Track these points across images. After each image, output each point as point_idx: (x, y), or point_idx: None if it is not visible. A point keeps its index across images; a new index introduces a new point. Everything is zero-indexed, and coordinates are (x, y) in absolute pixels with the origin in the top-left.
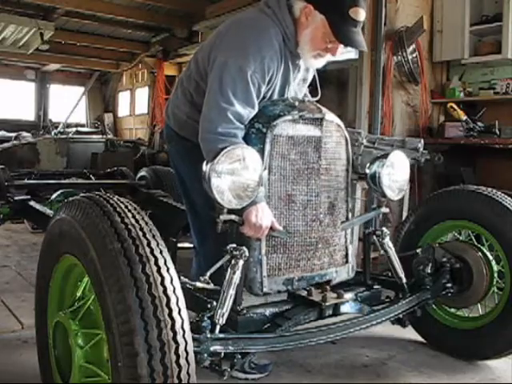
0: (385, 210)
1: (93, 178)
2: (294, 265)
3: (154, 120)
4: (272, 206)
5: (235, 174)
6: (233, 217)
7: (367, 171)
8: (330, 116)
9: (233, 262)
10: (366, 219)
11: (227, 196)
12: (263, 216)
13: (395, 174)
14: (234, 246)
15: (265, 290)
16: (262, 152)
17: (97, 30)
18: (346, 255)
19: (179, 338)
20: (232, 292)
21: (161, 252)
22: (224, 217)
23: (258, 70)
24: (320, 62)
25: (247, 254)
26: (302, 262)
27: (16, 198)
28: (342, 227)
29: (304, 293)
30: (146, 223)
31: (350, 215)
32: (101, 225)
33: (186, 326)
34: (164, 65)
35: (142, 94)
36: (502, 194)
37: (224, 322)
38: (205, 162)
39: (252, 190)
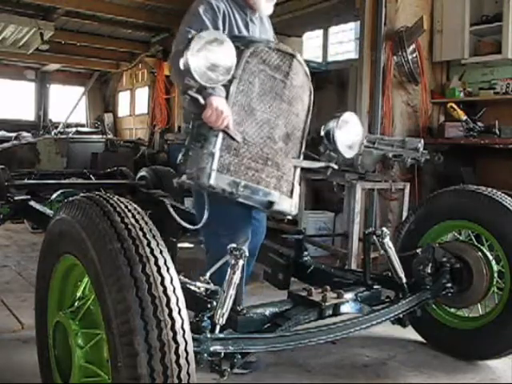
0: (334, 166)
1: (93, 178)
2: (242, 171)
3: (154, 120)
4: (234, 112)
5: (210, 51)
6: (200, 97)
7: (322, 131)
8: (300, 59)
9: (233, 261)
10: (316, 166)
11: (201, 68)
12: (225, 106)
13: (348, 131)
14: (234, 246)
15: (211, 182)
16: (236, 64)
17: (97, 30)
18: (292, 191)
19: (179, 338)
20: (232, 292)
21: (161, 252)
22: (192, 93)
23: (207, 8)
24: (270, 6)
25: (247, 253)
26: (251, 172)
27: (16, 198)
28: (293, 162)
29: (304, 293)
30: (146, 223)
31: (301, 158)
32: (101, 225)
33: (186, 326)
34: (164, 65)
35: (142, 94)
36: (502, 194)
37: (224, 322)
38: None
39: (222, 72)
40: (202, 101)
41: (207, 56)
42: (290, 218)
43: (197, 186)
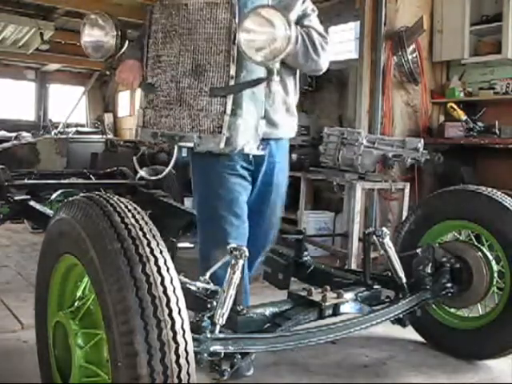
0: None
1: (93, 177)
2: (158, 121)
3: None
4: (148, 67)
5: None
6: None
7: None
8: None
9: (233, 261)
10: (243, 88)
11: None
12: (129, 67)
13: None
14: (234, 246)
15: (138, 137)
16: (148, 22)
17: None
18: (221, 126)
19: (179, 338)
20: (232, 292)
21: (161, 252)
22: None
23: None
24: None
25: (247, 253)
26: (163, 119)
27: (16, 198)
28: (212, 93)
29: (304, 293)
30: (146, 223)
31: (231, 82)
32: (101, 225)
33: (186, 326)
34: None
35: None
36: (502, 194)
37: (224, 322)
38: None
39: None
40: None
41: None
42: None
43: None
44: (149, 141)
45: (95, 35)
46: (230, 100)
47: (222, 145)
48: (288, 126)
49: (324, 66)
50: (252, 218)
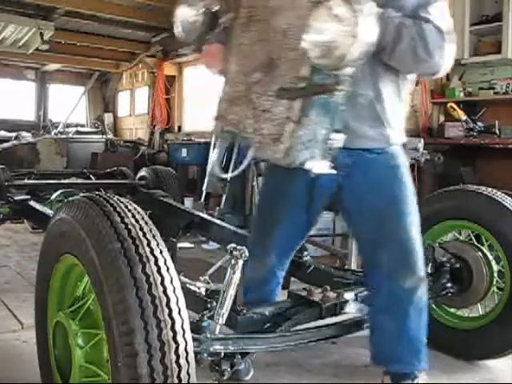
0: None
1: (93, 177)
2: (227, 115)
3: (154, 120)
4: (229, 53)
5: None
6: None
7: None
8: None
9: (233, 261)
10: (314, 93)
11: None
12: (212, 50)
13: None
14: (234, 246)
15: (212, 130)
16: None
17: (97, 30)
18: (281, 134)
19: (179, 337)
20: (232, 292)
21: (161, 252)
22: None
23: None
24: None
25: (247, 253)
26: (231, 115)
27: (16, 198)
28: (278, 93)
29: (304, 293)
30: (146, 223)
31: (301, 85)
32: (101, 225)
33: (186, 326)
34: (164, 65)
35: (142, 94)
36: (502, 194)
37: (224, 322)
38: None
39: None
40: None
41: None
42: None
43: None
44: (217, 135)
45: (187, 14)
46: (297, 105)
47: (280, 155)
48: (375, 136)
49: (441, 67)
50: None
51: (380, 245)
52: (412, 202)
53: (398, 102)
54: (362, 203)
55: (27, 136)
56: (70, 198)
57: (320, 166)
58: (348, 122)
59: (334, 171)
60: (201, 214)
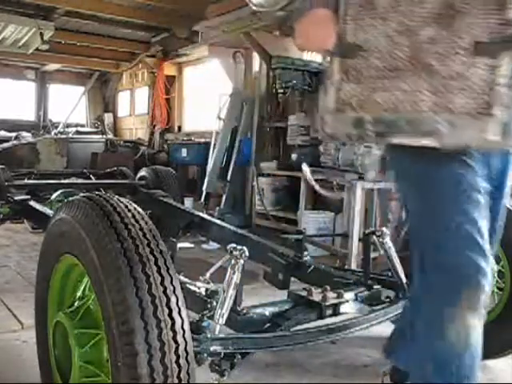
0: None
1: (93, 177)
2: (366, 99)
3: (154, 120)
4: (350, 18)
5: None
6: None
7: None
8: None
9: (233, 261)
10: None
11: None
12: (320, 16)
13: None
14: (234, 246)
15: (327, 130)
16: None
17: (97, 30)
18: (488, 104)
19: (179, 337)
20: (232, 292)
21: (161, 252)
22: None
23: None
24: None
25: (247, 253)
26: (377, 96)
27: (16, 198)
28: (477, 50)
29: (304, 293)
30: (146, 223)
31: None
32: (101, 225)
33: (186, 326)
34: (164, 65)
35: (142, 94)
36: None
37: (224, 322)
38: None
39: None
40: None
41: None
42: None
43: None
44: (346, 134)
45: None
46: (505, 62)
47: (492, 134)
48: None
49: None
50: None
51: None
52: None
53: None
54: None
55: (27, 136)
56: (70, 198)
57: None
58: None
59: None
60: (201, 214)
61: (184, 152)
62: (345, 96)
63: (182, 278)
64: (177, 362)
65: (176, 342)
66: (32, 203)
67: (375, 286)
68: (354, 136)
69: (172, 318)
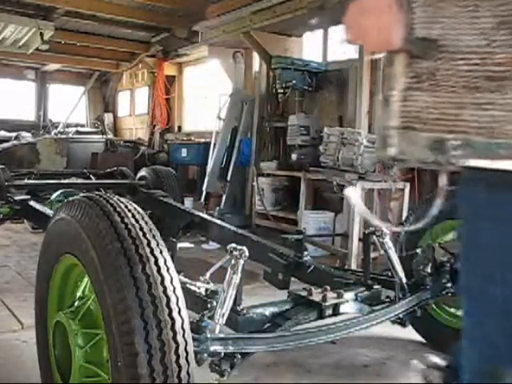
0: None
1: (93, 177)
2: (448, 113)
3: (154, 120)
4: (420, 9)
5: None
6: None
7: None
8: None
9: (233, 261)
10: None
11: None
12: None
13: None
14: (234, 246)
15: (391, 152)
16: None
17: (97, 30)
18: None
19: (179, 337)
20: (232, 292)
21: (161, 252)
22: None
23: None
24: None
25: (247, 253)
26: (466, 112)
27: (16, 198)
28: None
29: (304, 293)
30: (146, 223)
31: None
32: (101, 225)
33: (186, 326)
34: (164, 65)
35: (142, 94)
36: None
37: (224, 322)
38: None
39: None
40: None
41: None
42: None
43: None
44: (418, 160)
45: None
46: None
47: None
48: None
49: None
50: None
51: None
52: None
53: None
54: None
55: (27, 136)
56: (70, 198)
57: None
58: None
59: None
60: (201, 214)
61: (184, 152)
62: (415, 109)
63: (182, 277)
64: (177, 361)
65: (176, 341)
66: (32, 203)
67: (375, 286)
68: (431, 163)
69: (172, 318)
